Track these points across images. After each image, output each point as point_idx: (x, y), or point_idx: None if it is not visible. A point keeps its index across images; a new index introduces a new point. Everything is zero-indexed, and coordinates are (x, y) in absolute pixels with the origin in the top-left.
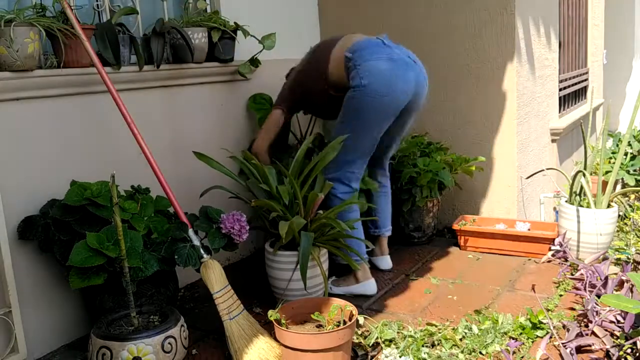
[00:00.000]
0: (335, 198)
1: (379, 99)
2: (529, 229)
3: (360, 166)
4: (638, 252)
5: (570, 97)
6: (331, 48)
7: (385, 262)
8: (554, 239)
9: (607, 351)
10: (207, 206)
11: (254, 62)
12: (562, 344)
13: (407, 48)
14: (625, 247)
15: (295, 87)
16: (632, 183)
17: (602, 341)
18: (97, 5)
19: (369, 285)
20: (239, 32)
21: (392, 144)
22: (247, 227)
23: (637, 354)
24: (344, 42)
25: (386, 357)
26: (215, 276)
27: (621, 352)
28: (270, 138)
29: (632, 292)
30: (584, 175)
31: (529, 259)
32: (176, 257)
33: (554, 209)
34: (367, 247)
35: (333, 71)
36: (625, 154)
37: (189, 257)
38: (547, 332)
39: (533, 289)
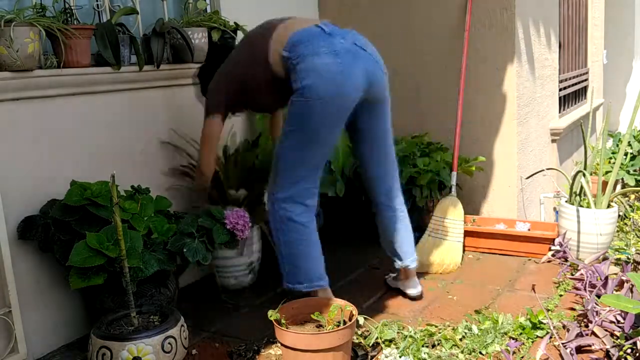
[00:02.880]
0: (291, 223)
1: (325, 100)
2: (529, 229)
3: (315, 180)
4: (638, 252)
5: (570, 97)
6: (267, 40)
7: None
8: (554, 239)
9: (607, 351)
10: (208, 205)
11: None
12: (562, 344)
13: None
14: (625, 247)
15: (233, 86)
16: (632, 183)
17: (602, 341)
18: (97, 5)
19: None
20: (239, 32)
21: (381, 172)
22: (250, 224)
23: (637, 354)
24: (278, 35)
25: (386, 357)
26: None
27: (621, 352)
28: (214, 152)
29: (632, 292)
30: (584, 175)
31: (529, 259)
32: (185, 250)
33: (554, 209)
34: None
35: (276, 68)
36: (625, 154)
37: (197, 251)
38: (547, 332)
39: (533, 289)
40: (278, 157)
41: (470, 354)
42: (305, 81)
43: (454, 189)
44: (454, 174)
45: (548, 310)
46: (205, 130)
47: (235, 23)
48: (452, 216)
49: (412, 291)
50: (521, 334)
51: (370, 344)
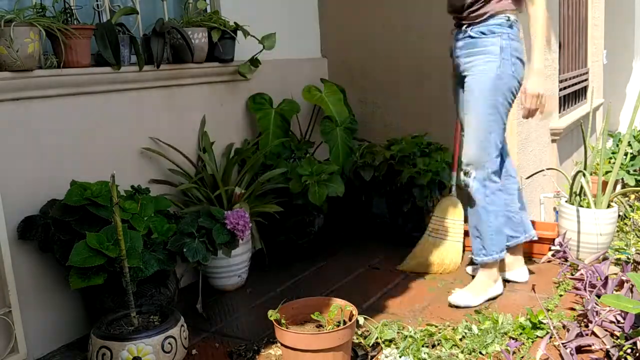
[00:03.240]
0: (499, 193)
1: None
2: None
3: None
4: (638, 252)
5: (571, 97)
6: None
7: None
8: (554, 239)
9: (607, 351)
10: (208, 206)
11: (254, 62)
12: (562, 344)
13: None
14: (625, 247)
15: None
16: (632, 183)
17: (602, 341)
18: (97, 5)
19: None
20: (239, 32)
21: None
22: (250, 225)
23: (637, 354)
24: None
25: (386, 357)
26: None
27: (621, 352)
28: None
29: (632, 292)
30: (584, 175)
31: (529, 259)
32: (185, 250)
33: (554, 209)
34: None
35: None
36: (625, 154)
37: (197, 251)
38: (547, 332)
39: (533, 289)
40: (489, 130)
41: (470, 354)
42: (521, 55)
43: (454, 189)
44: (454, 174)
45: (548, 310)
46: (543, 19)
47: (235, 23)
48: (452, 216)
49: (523, 277)
50: (521, 334)
51: (370, 344)
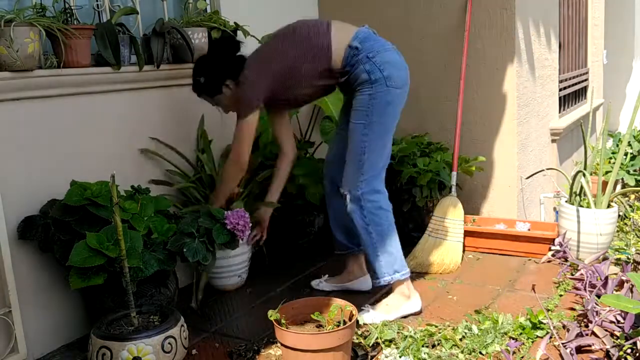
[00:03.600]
0: (381, 211)
1: (404, 90)
2: (529, 229)
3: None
4: (638, 252)
5: (570, 97)
6: (327, 34)
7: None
8: (554, 239)
9: (607, 351)
10: (208, 205)
11: None
12: (562, 344)
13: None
14: (625, 247)
15: (278, 77)
16: (632, 183)
17: (602, 341)
18: (97, 5)
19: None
20: (239, 32)
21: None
22: (250, 225)
23: (637, 354)
24: (342, 28)
25: (386, 357)
26: None
27: (621, 352)
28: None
29: (632, 292)
30: (584, 175)
31: (529, 259)
32: (185, 250)
33: (554, 209)
34: None
35: (335, 59)
36: (625, 154)
37: (197, 251)
38: (547, 332)
39: (533, 289)
40: (363, 152)
41: (470, 354)
42: (385, 72)
43: (454, 189)
44: (454, 173)
45: (548, 310)
46: (245, 132)
47: (235, 23)
48: (452, 216)
49: (366, 285)
50: (521, 334)
51: (370, 344)
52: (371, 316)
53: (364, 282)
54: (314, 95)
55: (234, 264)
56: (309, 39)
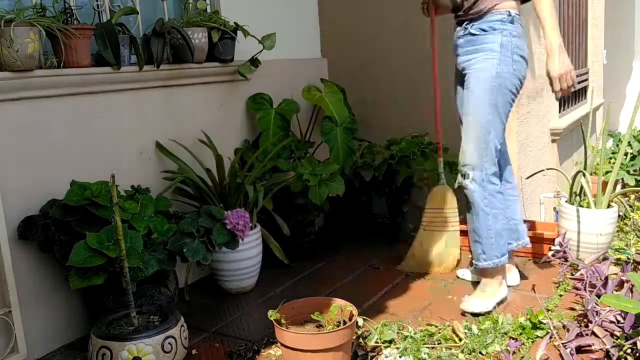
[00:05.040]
0: (499, 195)
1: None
2: (529, 229)
3: None
4: (638, 252)
5: (570, 97)
6: None
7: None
8: (554, 239)
9: (607, 351)
10: (208, 206)
11: (254, 62)
12: (562, 344)
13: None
14: (625, 247)
15: None
16: (632, 183)
17: (602, 341)
18: (97, 5)
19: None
20: (239, 32)
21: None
22: (250, 225)
23: (637, 354)
24: None
25: (386, 357)
26: None
27: (621, 352)
28: None
29: (632, 292)
30: (584, 175)
31: (529, 259)
32: (185, 250)
33: (554, 209)
34: None
35: None
36: (625, 154)
37: (197, 251)
38: (547, 332)
39: (533, 289)
40: (488, 130)
41: (470, 354)
42: (524, 52)
43: (442, 177)
44: (441, 160)
45: (548, 310)
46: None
47: (235, 23)
48: (444, 205)
49: (514, 280)
50: (521, 334)
51: (370, 344)
52: (472, 303)
53: (510, 276)
54: None
55: (247, 266)
56: None
